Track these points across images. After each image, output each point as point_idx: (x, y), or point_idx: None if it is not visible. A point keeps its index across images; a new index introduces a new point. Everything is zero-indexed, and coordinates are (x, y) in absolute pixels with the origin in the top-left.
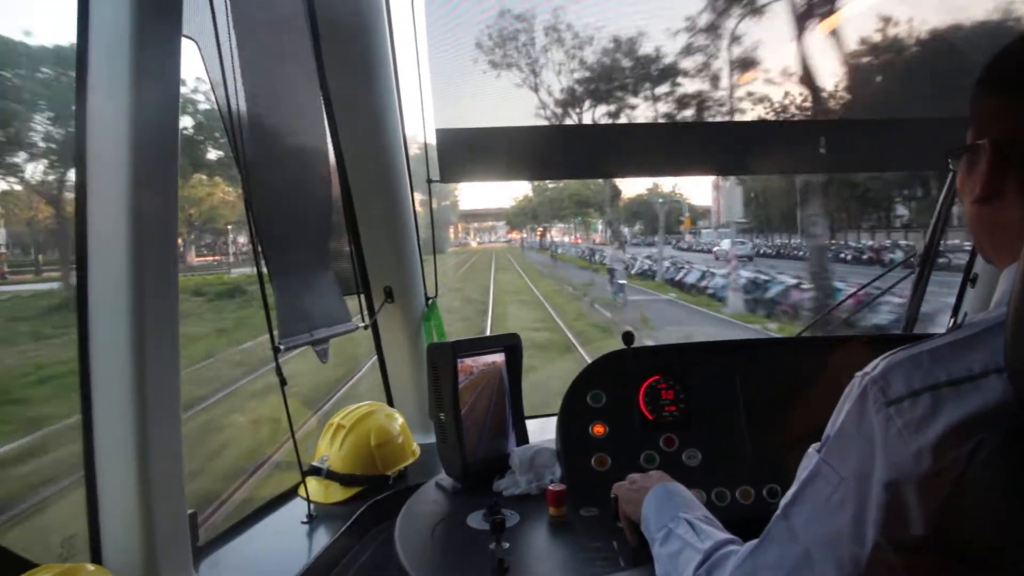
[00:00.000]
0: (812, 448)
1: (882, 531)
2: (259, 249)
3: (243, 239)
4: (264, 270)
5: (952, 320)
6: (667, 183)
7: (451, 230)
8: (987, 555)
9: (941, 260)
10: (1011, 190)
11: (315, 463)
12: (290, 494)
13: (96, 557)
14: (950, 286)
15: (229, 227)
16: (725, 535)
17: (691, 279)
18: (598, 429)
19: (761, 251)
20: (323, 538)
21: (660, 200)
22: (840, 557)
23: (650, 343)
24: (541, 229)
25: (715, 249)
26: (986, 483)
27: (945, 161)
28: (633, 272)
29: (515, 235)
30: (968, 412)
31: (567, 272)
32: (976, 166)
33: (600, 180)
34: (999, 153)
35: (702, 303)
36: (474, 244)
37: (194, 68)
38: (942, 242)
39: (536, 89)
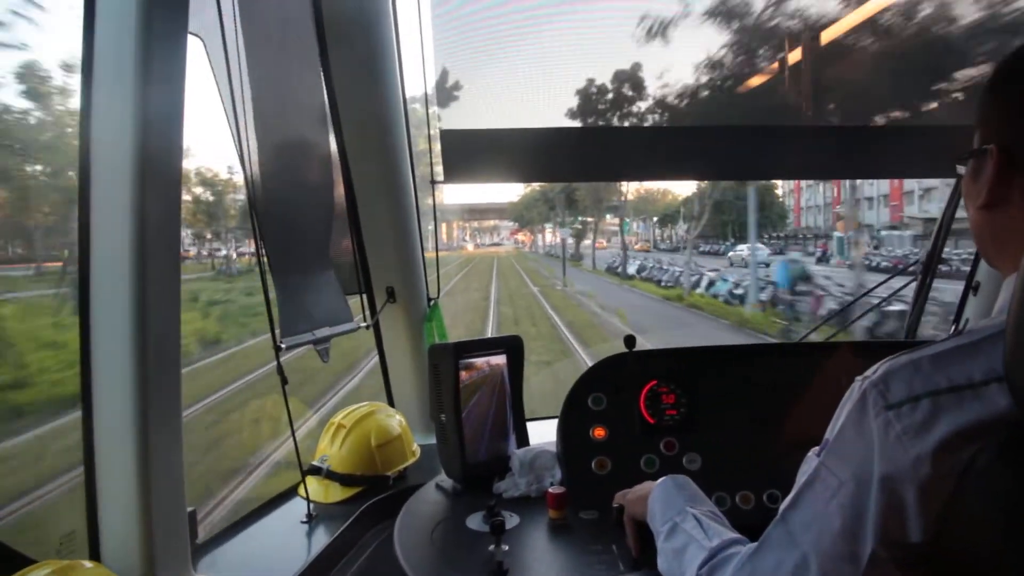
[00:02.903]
0: (812, 452)
1: (879, 536)
2: (261, 248)
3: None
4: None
5: (954, 327)
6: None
7: (443, 229)
8: (983, 565)
9: (943, 268)
10: (1017, 196)
11: (315, 463)
12: (290, 493)
13: (95, 554)
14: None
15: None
16: (732, 534)
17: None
18: (599, 432)
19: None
20: (322, 538)
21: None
22: (838, 561)
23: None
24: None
25: (731, 255)
26: (983, 492)
27: (951, 167)
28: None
29: (523, 236)
30: (968, 420)
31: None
32: (982, 171)
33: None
34: (1006, 158)
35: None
36: (470, 248)
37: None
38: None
39: (543, 91)
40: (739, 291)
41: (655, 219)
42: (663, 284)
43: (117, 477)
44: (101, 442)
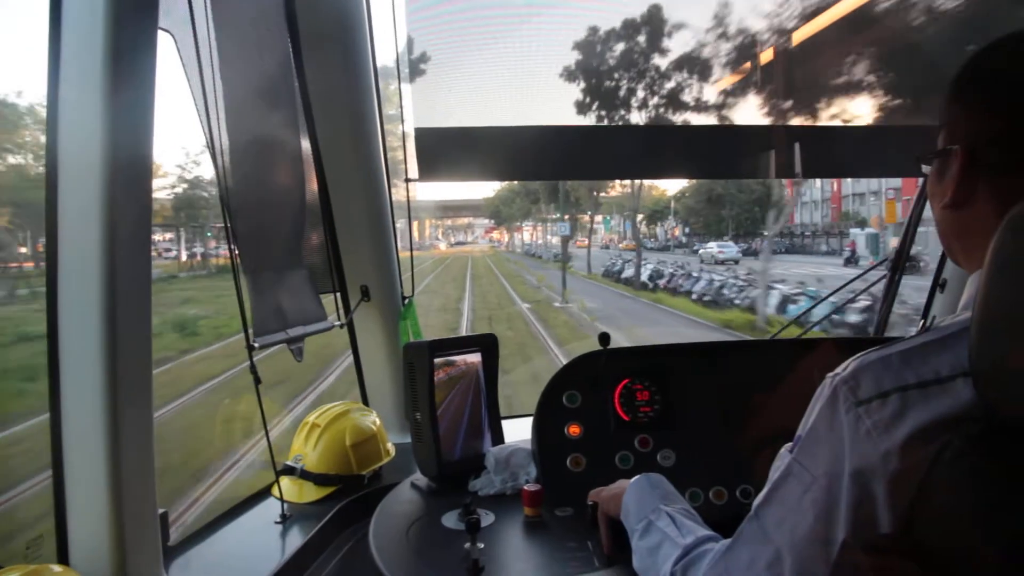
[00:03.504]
0: (784, 448)
1: (851, 530)
2: (233, 245)
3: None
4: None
5: (922, 323)
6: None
7: (415, 227)
8: (952, 557)
9: (911, 264)
10: (981, 196)
11: (289, 462)
12: (263, 493)
13: (63, 558)
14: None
15: None
16: (705, 531)
17: None
18: (574, 430)
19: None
20: (296, 538)
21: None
22: (810, 556)
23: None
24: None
25: (700, 252)
26: (951, 485)
27: (916, 167)
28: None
29: (498, 235)
30: (934, 415)
31: None
32: (947, 172)
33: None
34: (970, 159)
35: None
36: (443, 247)
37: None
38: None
39: (518, 89)
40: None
41: (639, 216)
42: (704, 300)
43: (86, 478)
44: (70, 443)
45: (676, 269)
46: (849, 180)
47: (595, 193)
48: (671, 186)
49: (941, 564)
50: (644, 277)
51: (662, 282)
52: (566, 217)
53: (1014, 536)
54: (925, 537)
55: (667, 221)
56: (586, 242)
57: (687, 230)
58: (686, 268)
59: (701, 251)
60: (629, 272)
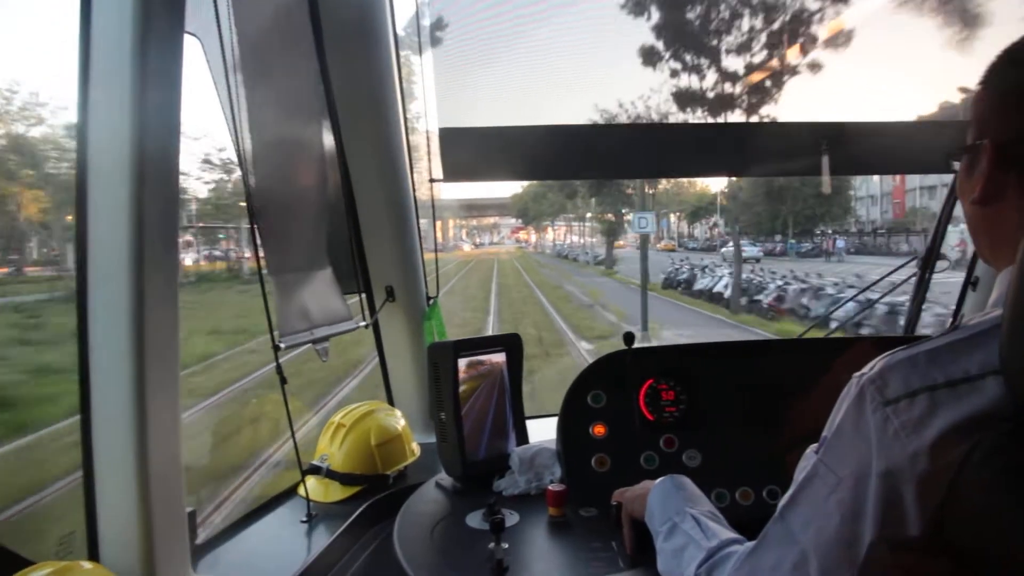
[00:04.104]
0: (810, 449)
1: (879, 530)
2: (259, 246)
3: None
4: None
5: (951, 322)
6: None
7: (438, 227)
8: (982, 558)
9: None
10: (1012, 191)
11: (315, 462)
12: (290, 493)
13: (93, 554)
14: None
15: None
16: (731, 534)
17: None
18: (598, 430)
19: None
20: (322, 537)
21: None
22: (837, 558)
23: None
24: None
25: (723, 251)
26: (981, 485)
27: (944, 163)
28: None
29: (524, 235)
30: (965, 414)
31: None
32: (976, 167)
33: None
34: (1000, 153)
35: None
36: (467, 248)
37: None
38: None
39: (543, 88)
40: None
41: (678, 214)
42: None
43: (116, 477)
44: (100, 442)
45: (766, 276)
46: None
47: (647, 189)
48: (717, 180)
49: (972, 565)
50: (719, 287)
51: (768, 299)
52: (589, 214)
53: None
54: (956, 538)
55: (711, 219)
56: (623, 243)
57: (735, 228)
58: (777, 275)
59: (723, 250)
60: (702, 282)
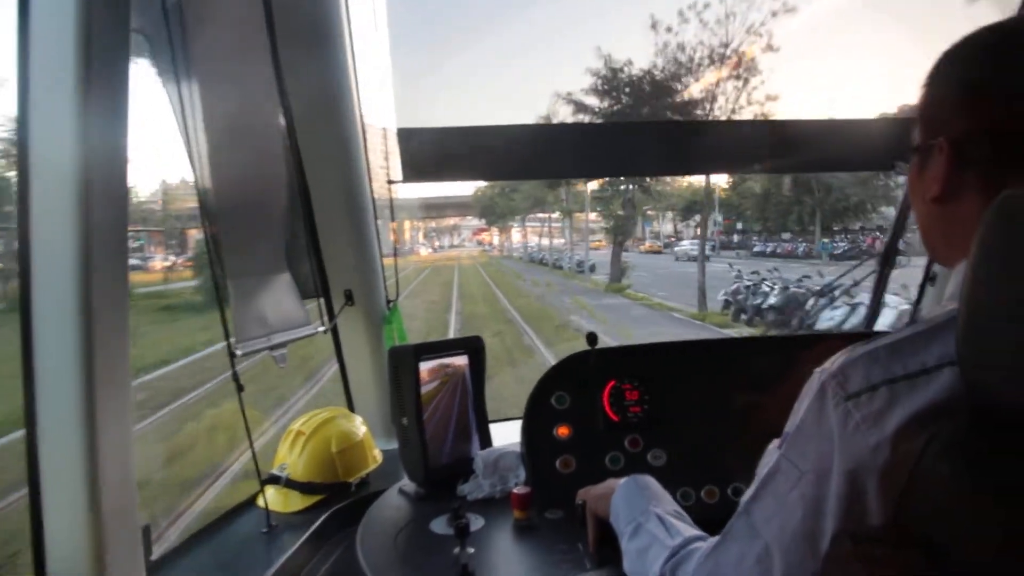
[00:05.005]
0: (773, 444)
1: (841, 522)
2: (213, 250)
3: None
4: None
5: (911, 317)
6: None
7: (391, 228)
8: (942, 546)
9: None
10: (969, 188)
11: (274, 471)
12: (248, 504)
13: (40, 574)
14: None
15: None
16: (694, 531)
17: None
18: (563, 431)
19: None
20: (283, 548)
21: None
22: (800, 551)
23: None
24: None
25: (676, 250)
26: (940, 474)
27: (888, 161)
28: None
29: (487, 236)
30: (923, 404)
31: None
32: (929, 165)
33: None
34: (957, 151)
35: None
36: (424, 252)
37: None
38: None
39: (502, 88)
40: None
41: (667, 213)
42: None
43: (64, 491)
44: (47, 454)
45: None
46: None
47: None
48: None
49: (931, 554)
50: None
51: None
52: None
53: (1004, 524)
54: (916, 527)
55: (712, 215)
56: (602, 243)
57: (739, 226)
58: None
59: (676, 249)
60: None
